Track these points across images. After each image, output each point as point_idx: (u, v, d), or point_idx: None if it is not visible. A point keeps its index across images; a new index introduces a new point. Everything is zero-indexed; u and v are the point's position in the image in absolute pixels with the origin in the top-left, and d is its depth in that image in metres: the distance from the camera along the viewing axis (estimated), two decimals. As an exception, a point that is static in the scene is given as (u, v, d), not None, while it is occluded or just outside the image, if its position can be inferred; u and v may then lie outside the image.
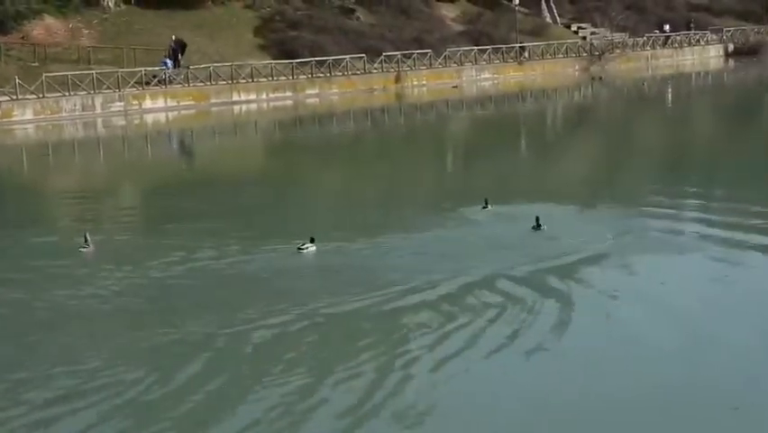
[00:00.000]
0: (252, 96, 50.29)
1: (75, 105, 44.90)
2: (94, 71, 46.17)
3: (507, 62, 60.92)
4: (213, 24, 56.11)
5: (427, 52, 57.16)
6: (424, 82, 56.29)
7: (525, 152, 33.86)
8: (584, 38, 68.50)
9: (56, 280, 15.53)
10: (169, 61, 49.14)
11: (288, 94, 51.77)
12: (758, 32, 75.24)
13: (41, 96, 43.99)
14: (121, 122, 45.04)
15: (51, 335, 12.91)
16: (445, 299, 13.73)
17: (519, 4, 63.66)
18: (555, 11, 71.21)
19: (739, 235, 17.05)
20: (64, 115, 44.50)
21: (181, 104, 48.23)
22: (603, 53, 65.02)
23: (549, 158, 30.87)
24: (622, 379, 10.72)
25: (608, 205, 20.38)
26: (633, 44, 68.41)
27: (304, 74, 52.39)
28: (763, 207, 19.66)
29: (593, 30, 70.25)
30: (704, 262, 15.51)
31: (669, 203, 20.42)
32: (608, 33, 69.38)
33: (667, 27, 72.37)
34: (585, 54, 65.08)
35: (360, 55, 54.41)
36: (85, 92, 45.17)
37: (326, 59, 52.71)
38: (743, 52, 72.15)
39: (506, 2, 66.80)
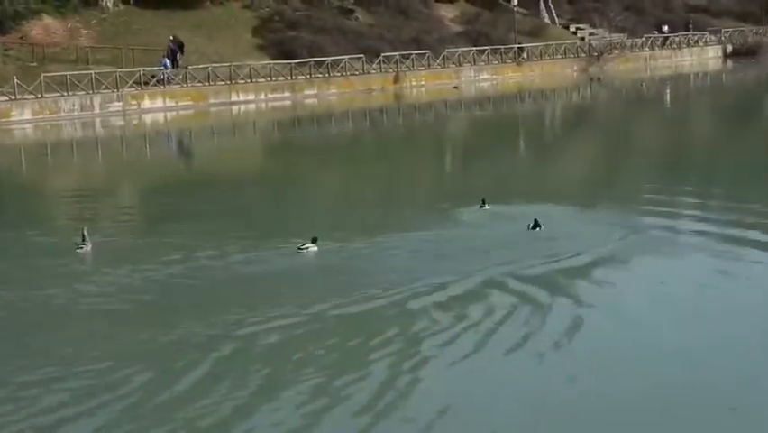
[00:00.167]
0: (251, 97, 50.29)
1: (73, 106, 44.88)
2: (92, 71, 46.16)
3: (505, 63, 60.93)
4: (211, 24, 56.11)
5: (426, 53, 57.18)
6: (422, 83, 56.31)
7: (524, 152, 33.87)
8: (583, 39, 68.54)
9: (55, 280, 15.48)
10: (167, 61, 49.13)
11: (287, 94, 51.77)
12: (756, 33, 75.30)
13: (39, 96, 43.97)
14: (119, 122, 45.03)
15: (51, 335, 12.88)
16: (446, 300, 13.70)
17: (518, 5, 63.66)
18: (554, 11, 71.23)
19: (738, 236, 17.06)
20: (62, 115, 44.49)
21: (180, 104, 48.22)
22: (602, 54, 65.03)
23: (547, 158, 30.88)
24: (621, 379, 10.72)
25: (606, 205, 20.37)
26: (631, 45, 68.44)
27: (302, 74, 52.39)
28: (762, 206, 19.70)
29: (592, 30, 70.27)
30: (703, 263, 15.51)
31: (668, 203, 20.42)
32: (606, 34, 69.40)
33: (666, 28, 72.42)
34: (583, 55, 65.10)
35: (358, 55, 54.42)
36: (83, 92, 45.15)
37: (325, 60, 52.71)
38: (741, 53, 72.19)
39: (504, 2, 66.79)
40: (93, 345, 12.32)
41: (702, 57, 72.41)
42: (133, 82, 46.93)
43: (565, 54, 64.33)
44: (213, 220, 20.31)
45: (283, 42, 55.16)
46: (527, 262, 15.40)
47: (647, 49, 69.25)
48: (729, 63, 71.21)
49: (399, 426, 9.81)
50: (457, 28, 64.96)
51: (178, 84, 48.76)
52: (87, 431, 9.87)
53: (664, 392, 10.29)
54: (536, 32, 66.56)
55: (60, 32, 51.43)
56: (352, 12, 61.41)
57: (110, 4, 54.70)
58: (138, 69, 47.52)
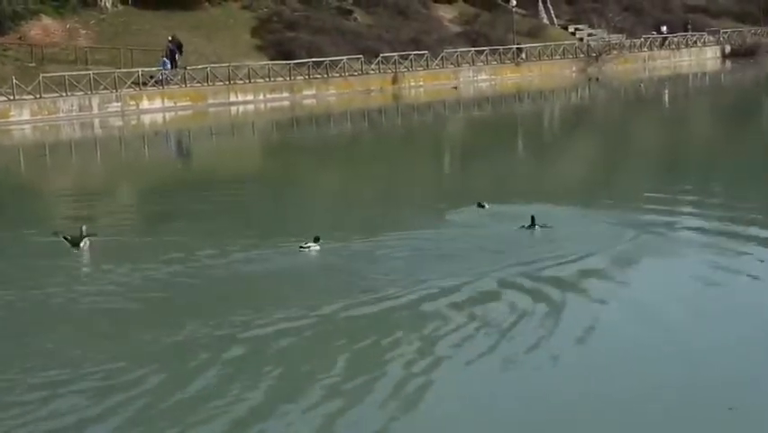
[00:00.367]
0: (250, 97, 50.29)
1: (72, 106, 44.87)
2: (91, 72, 46.16)
3: (504, 63, 60.95)
4: (210, 25, 56.10)
5: (424, 53, 57.19)
6: (421, 83, 56.31)
7: (523, 153, 33.86)
8: (581, 39, 68.57)
9: (54, 280, 15.44)
10: (167, 62, 49.12)
11: (286, 95, 51.77)
12: (755, 34, 75.38)
13: (38, 96, 43.96)
14: (118, 122, 45.02)
15: (50, 335, 12.82)
16: (453, 300, 13.65)
17: (516, 6, 63.67)
18: (552, 12, 71.26)
19: (737, 237, 17.05)
20: (61, 115, 44.48)
21: (178, 104, 48.22)
22: (600, 54, 65.06)
23: (546, 159, 30.88)
24: (618, 381, 10.70)
25: (604, 206, 20.32)
26: (630, 45, 68.48)
27: (301, 75, 52.40)
28: (761, 207, 19.70)
29: (590, 31, 70.32)
30: (701, 263, 15.47)
31: (666, 204, 20.38)
32: (605, 35, 69.45)
33: (664, 28, 72.47)
34: (582, 55, 65.15)
35: (357, 56, 54.43)
36: (82, 92, 45.14)
37: (323, 60, 52.72)
38: (740, 54, 72.26)
39: (503, 3, 66.81)
40: (97, 346, 12.25)
41: (701, 57, 72.47)
42: (132, 83, 46.93)
43: (564, 55, 64.37)
44: (212, 220, 20.28)
45: (282, 43, 55.17)
46: (526, 264, 15.35)
47: (646, 49, 69.29)
48: (728, 63, 71.26)
49: (415, 427, 9.80)
50: (456, 28, 64.99)
51: (177, 84, 48.76)
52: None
53: (663, 394, 10.25)
54: (535, 33, 66.60)
55: (59, 33, 51.41)
56: (350, 12, 61.43)
57: (109, 5, 54.68)
58: (136, 69, 47.54)
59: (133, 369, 11.31)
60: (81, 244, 17.20)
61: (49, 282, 15.27)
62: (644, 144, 33.60)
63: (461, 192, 22.73)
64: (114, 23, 53.88)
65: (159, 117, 46.79)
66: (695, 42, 72.93)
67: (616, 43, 67.54)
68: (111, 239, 18.40)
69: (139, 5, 55.39)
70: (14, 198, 27.13)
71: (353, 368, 11.23)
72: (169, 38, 50.40)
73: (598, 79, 60.39)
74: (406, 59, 56.20)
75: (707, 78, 65.23)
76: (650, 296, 13.81)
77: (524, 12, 67.45)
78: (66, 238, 17.32)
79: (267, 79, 51.25)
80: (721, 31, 74.34)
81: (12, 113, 43.18)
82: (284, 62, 52.49)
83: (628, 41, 68.95)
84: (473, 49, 60.08)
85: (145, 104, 47.13)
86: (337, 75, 53.25)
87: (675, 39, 71.75)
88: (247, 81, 50.37)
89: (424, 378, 10.86)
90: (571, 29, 70.56)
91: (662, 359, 11.29)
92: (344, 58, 53.64)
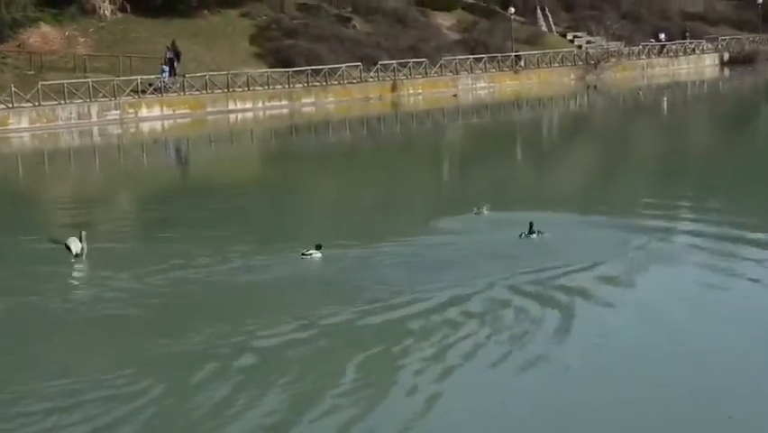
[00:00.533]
0: (248, 105, 50.29)
1: (71, 114, 44.83)
2: (90, 80, 46.14)
3: (502, 71, 61.00)
4: (209, 33, 56.11)
5: (423, 61, 57.21)
6: (419, 91, 56.33)
7: (522, 160, 33.84)
8: (580, 47, 68.62)
9: (54, 287, 15.44)
10: (166, 69, 49.12)
11: (284, 102, 51.77)
12: (753, 41, 75.46)
13: (36, 104, 43.93)
14: (117, 130, 44.98)
15: (48, 344, 12.80)
16: (446, 308, 13.64)
17: (515, 13, 63.78)
18: (551, 20, 71.33)
19: (736, 244, 17.05)
20: (60, 123, 44.43)
21: (177, 112, 48.21)
22: (599, 62, 65.12)
23: (545, 166, 30.87)
24: (617, 388, 10.68)
25: (603, 213, 20.32)
26: (628, 53, 68.54)
27: (300, 83, 52.40)
28: (759, 214, 19.69)
29: (589, 39, 70.38)
30: (702, 270, 15.49)
31: (665, 211, 20.38)
32: (603, 42, 69.52)
33: (662, 36, 72.59)
34: (581, 63, 65.19)
35: (356, 64, 54.45)
36: (81, 100, 45.11)
37: (322, 68, 52.74)
38: (738, 61, 72.34)
39: (501, 11, 66.90)
40: (92, 354, 12.21)
41: (699, 65, 72.53)
42: (131, 90, 46.91)
43: (562, 62, 64.42)
44: (212, 228, 20.24)
45: (280, 51, 55.18)
46: (526, 271, 15.35)
47: (644, 57, 69.37)
48: (726, 71, 71.32)
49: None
50: (454, 36, 65.02)
51: (176, 92, 48.74)
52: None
53: (663, 401, 10.26)
54: (533, 41, 66.66)
55: (58, 41, 51.43)
56: (349, 20, 61.46)
57: (108, 13, 54.67)
58: (135, 77, 47.52)
59: (135, 378, 11.26)
60: (78, 250, 17.09)
61: (48, 289, 15.25)
62: (642, 152, 33.61)
63: (460, 199, 22.70)
64: (112, 31, 53.87)
65: (157, 125, 46.77)
66: (693, 50, 73.02)
67: (614, 51, 67.62)
68: (109, 246, 18.37)
69: (138, 13, 55.38)
70: (13, 205, 27.09)
71: (362, 378, 11.18)
72: (168, 45, 50.41)
73: (596, 87, 60.44)
74: (405, 66, 56.23)
75: (705, 85, 65.29)
76: (648, 304, 13.77)
77: (522, 19, 67.53)
78: (66, 246, 17.24)
79: (266, 87, 51.27)
80: (719, 38, 74.46)
81: (10, 120, 43.15)
82: (283, 70, 52.50)
83: (627, 48, 69.03)
84: (472, 56, 60.12)
85: (144, 112, 47.12)
86: (336, 83, 53.27)
87: (674, 46, 71.85)
88: (246, 89, 50.38)
89: (435, 386, 10.83)
90: (569, 36, 70.62)
91: (671, 364, 11.28)
92: (343, 65, 53.66)
